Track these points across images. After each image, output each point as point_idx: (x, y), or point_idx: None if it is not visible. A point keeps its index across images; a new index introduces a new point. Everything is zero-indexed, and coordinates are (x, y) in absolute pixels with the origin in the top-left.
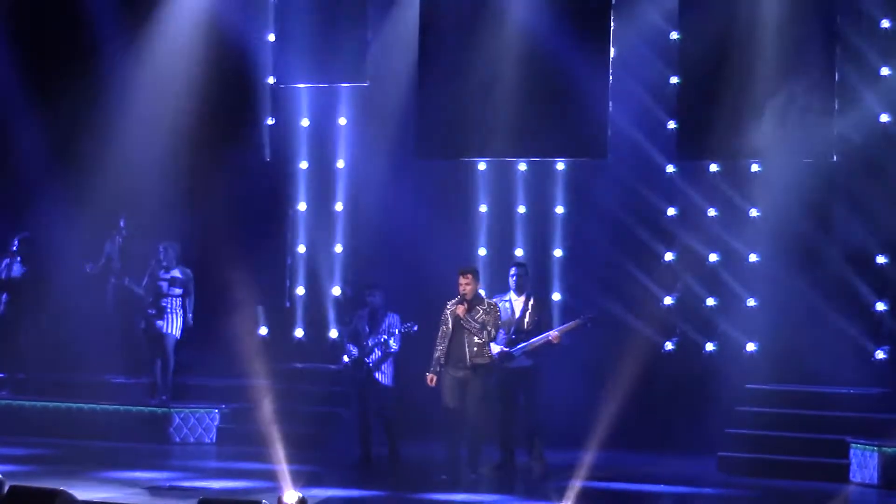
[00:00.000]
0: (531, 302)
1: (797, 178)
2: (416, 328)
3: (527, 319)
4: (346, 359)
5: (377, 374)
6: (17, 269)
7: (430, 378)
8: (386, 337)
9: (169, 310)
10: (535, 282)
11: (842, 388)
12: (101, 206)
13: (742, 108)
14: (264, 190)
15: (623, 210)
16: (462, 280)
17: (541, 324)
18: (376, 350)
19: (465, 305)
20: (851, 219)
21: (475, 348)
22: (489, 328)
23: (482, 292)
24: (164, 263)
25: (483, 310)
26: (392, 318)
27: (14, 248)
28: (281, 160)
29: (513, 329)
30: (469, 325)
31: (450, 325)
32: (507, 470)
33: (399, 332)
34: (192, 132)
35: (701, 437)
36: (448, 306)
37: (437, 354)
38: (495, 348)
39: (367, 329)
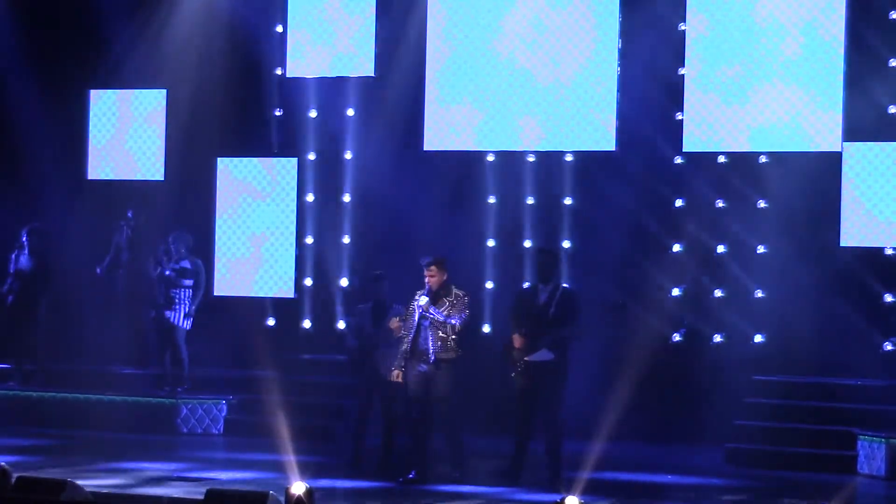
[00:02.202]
0: (558, 293)
1: (805, 169)
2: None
3: (551, 310)
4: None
5: (383, 370)
6: (25, 261)
7: (396, 374)
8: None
9: (178, 300)
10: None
11: (849, 380)
12: (109, 196)
13: (749, 100)
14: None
15: (631, 201)
16: (426, 272)
17: (564, 317)
18: (383, 346)
19: (429, 298)
20: (859, 210)
21: (439, 343)
22: (453, 321)
23: (496, 283)
24: (174, 255)
25: (449, 301)
26: (396, 311)
27: (23, 239)
28: (289, 151)
29: (534, 320)
30: (433, 318)
31: (416, 318)
32: (519, 464)
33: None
34: (200, 123)
35: (709, 428)
36: (415, 297)
37: (403, 347)
38: (517, 340)
39: (372, 323)
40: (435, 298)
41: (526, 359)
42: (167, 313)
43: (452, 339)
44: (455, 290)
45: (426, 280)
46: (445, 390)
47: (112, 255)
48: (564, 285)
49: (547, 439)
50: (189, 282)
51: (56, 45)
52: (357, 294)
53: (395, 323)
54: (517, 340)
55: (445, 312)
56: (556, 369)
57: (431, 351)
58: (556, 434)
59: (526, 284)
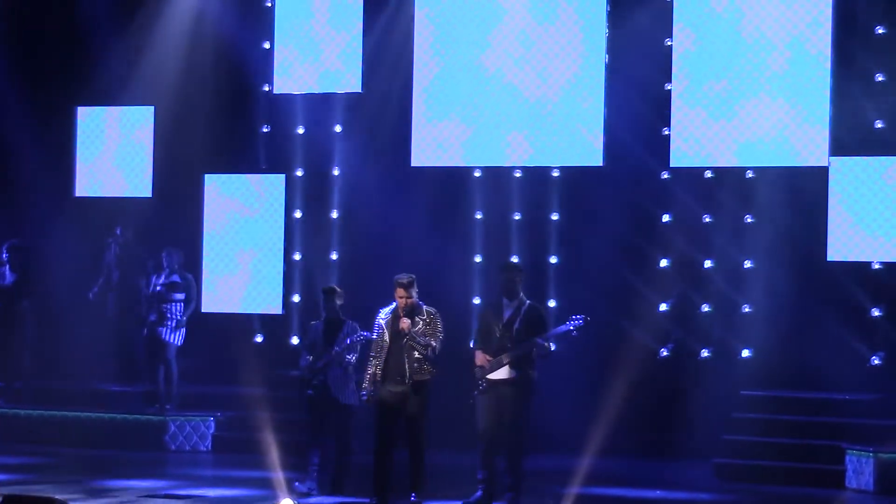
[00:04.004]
0: (524, 308)
1: (792, 184)
2: (367, 334)
3: (515, 326)
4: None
5: (336, 393)
6: (8, 278)
7: (368, 396)
8: (338, 349)
9: (170, 316)
10: (530, 288)
11: (837, 394)
12: (97, 213)
13: (735, 115)
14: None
15: (618, 216)
16: (403, 293)
17: (531, 333)
18: (334, 364)
19: (408, 320)
20: (846, 225)
21: (415, 364)
22: (434, 344)
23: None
24: (166, 269)
25: (423, 321)
26: (350, 327)
27: (4, 256)
28: (276, 168)
29: (499, 336)
30: (414, 340)
31: (386, 338)
32: (491, 484)
33: (351, 341)
34: (187, 140)
35: (697, 443)
36: (381, 316)
37: (371, 370)
38: (480, 357)
39: (324, 340)
40: (409, 318)
41: (489, 376)
42: (159, 329)
43: (428, 361)
44: (426, 308)
45: (402, 300)
46: (419, 411)
47: (104, 277)
48: (528, 301)
49: (508, 456)
50: (179, 296)
51: (43, 63)
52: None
53: (405, 324)
54: (480, 358)
55: (421, 331)
56: (520, 386)
57: (408, 373)
58: (518, 452)
59: (477, 300)
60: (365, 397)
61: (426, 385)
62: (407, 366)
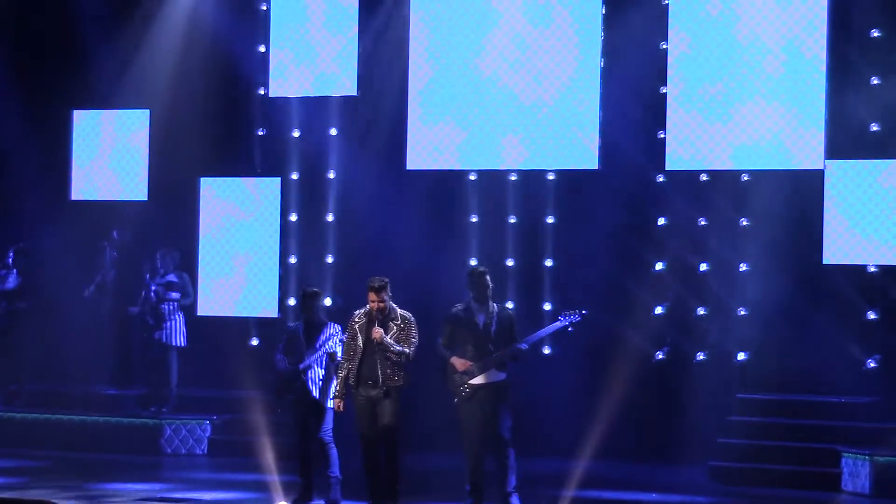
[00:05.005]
0: (495, 312)
1: (787, 187)
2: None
3: (493, 329)
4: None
5: (317, 395)
6: (12, 281)
7: (339, 403)
8: (329, 346)
9: (168, 317)
10: (526, 292)
11: (833, 398)
12: (92, 216)
13: (731, 118)
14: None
15: (613, 220)
16: (375, 297)
17: (506, 334)
18: (315, 367)
19: (380, 329)
20: (841, 228)
21: (388, 370)
22: (408, 351)
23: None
24: (161, 270)
25: (397, 325)
26: (332, 328)
27: (10, 259)
28: (272, 171)
29: (477, 341)
30: (388, 347)
31: (360, 342)
32: (481, 486)
33: (341, 340)
34: (183, 143)
35: (692, 446)
36: (354, 319)
37: (343, 373)
38: (460, 363)
39: (305, 341)
40: (383, 323)
41: (472, 382)
42: (158, 333)
43: (402, 366)
44: (400, 312)
45: (374, 303)
46: (392, 418)
47: (101, 276)
48: (496, 304)
49: (497, 456)
50: (175, 294)
51: (39, 66)
52: (340, 313)
53: (377, 333)
54: (460, 364)
55: (395, 338)
56: (506, 388)
57: (381, 378)
58: (506, 450)
59: (459, 306)
60: (334, 402)
61: (398, 391)
62: (380, 371)
